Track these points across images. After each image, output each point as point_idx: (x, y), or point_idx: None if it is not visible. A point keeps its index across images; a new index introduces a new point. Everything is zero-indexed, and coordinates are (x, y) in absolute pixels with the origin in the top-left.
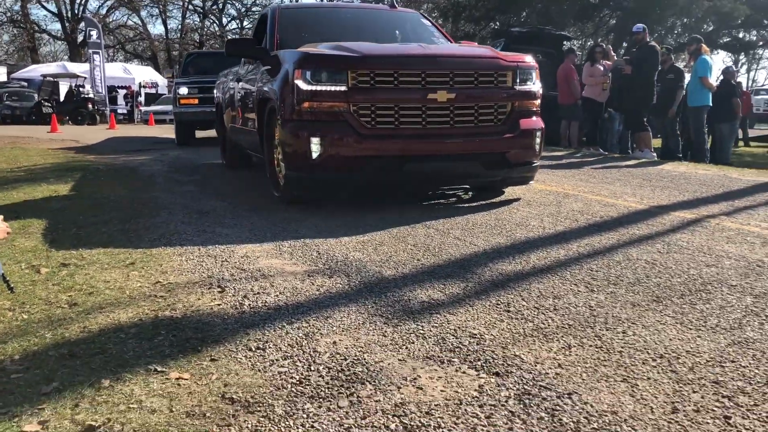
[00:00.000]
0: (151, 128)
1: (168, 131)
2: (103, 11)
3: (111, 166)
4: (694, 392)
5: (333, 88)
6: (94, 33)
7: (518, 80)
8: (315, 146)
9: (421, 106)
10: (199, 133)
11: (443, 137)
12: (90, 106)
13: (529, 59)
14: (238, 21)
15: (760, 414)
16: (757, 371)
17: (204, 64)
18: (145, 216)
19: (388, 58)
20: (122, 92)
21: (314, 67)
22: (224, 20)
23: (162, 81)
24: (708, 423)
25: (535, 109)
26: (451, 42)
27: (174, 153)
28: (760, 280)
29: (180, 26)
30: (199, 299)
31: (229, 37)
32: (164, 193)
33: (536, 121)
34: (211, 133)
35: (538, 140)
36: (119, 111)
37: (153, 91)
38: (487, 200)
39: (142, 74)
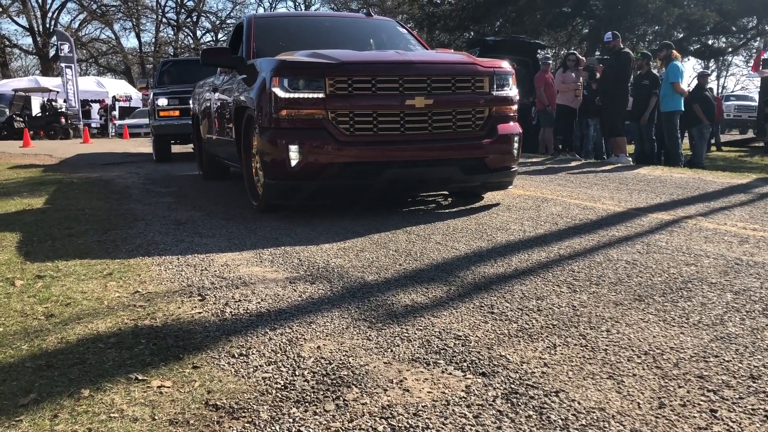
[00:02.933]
0: (126, 142)
1: (143, 145)
2: (75, 25)
3: (86, 179)
4: (680, 387)
5: (311, 95)
6: (66, 47)
7: (495, 86)
8: (293, 154)
9: (400, 113)
10: (175, 148)
11: (422, 143)
12: (63, 120)
13: (505, 65)
14: (212, 33)
15: (745, 407)
16: (740, 365)
17: (181, 72)
18: (121, 227)
19: (365, 65)
20: (96, 106)
21: (291, 75)
22: (198, 33)
23: (136, 94)
24: (695, 417)
25: (512, 114)
26: (427, 49)
27: (150, 166)
28: (739, 277)
29: (154, 39)
30: (179, 308)
31: (204, 47)
32: (140, 204)
33: (514, 126)
34: (189, 148)
35: (516, 145)
36: (93, 125)
37: (127, 104)
38: (467, 206)
39: (116, 88)
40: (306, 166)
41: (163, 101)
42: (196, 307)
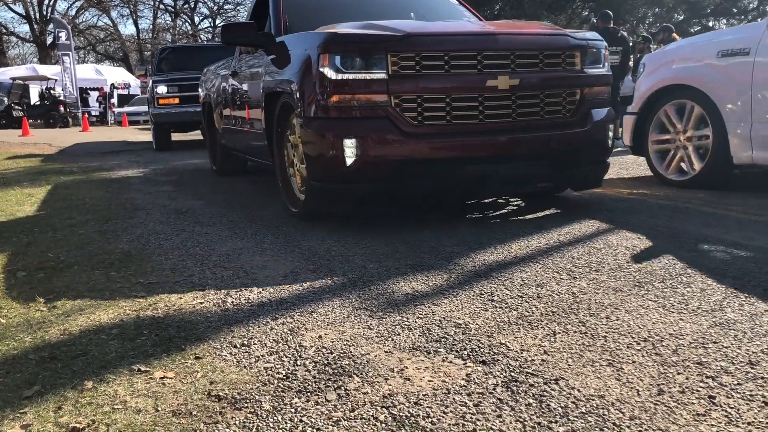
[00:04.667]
0: (125, 130)
1: (143, 133)
2: (72, 12)
3: (85, 168)
4: (679, 374)
5: (370, 77)
6: (63, 34)
7: (587, 62)
8: (349, 150)
9: (478, 96)
10: (176, 136)
11: (505, 133)
12: (62, 108)
13: (597, 36)
14: (210, 19)
15: (743, 393)
16: (739, 351)
17: (180, 59)
18: (122, 217)
19: (436, 37)
20: (94, 94)
21: (345, 51)
22: (196, 19)
23: (135, 82)
24: (694, 403)
25: (606, 96)
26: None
27: (150, 155)
28: (737, 261)
29: (152, 26)
30: (180, 298)
31: (224, 23)
32: (141, 194)
33: (609, 112)
34: (189, 136)
35: (610, 134)
36: (92, 113)
37: (126, 92)
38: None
39: (115, 75)
40: (364, 165)
41: (162, 89)
42: (197, 297)
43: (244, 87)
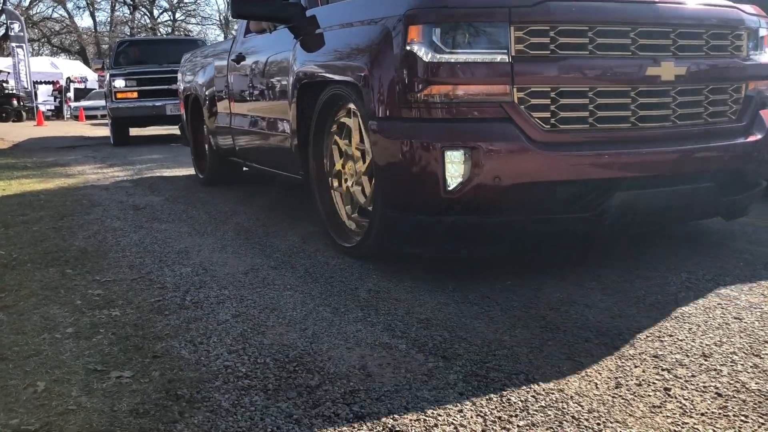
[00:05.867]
0: (81, 124)
1: (100, 128)
2: (26, 3)
3: (40, 163)
4: (636, 367)
5: (485, 58)
6: (16, 26)
7: (751, 46)
8: (454, 166)
9: (631, 90)
10: (134, 131)
11: (663, 143)
12: (15, 102)
13: (763, 13)
14: (170, 13)
15: (697, 384)
16: (693, 344)
17: (139, 52)
18: (78, 213)
19: (580, 3)
20: (46, 88)
21: (448, 19)
22: (155, 12)
23: (92, 75)
24: (650, 396)
25: None
26: None
27: (107, 150)
28: (695, 256)
29: (109, 19)
30: (138, 296)
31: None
32: (97, 189)
33: None
34: (148, 131)
35: None
36: (45, 107)
37: (82, 85)
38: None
39: (71, 69)
40: (475, 189)
41: (120, 82)
42: (155, 294)
43: (258, 75)
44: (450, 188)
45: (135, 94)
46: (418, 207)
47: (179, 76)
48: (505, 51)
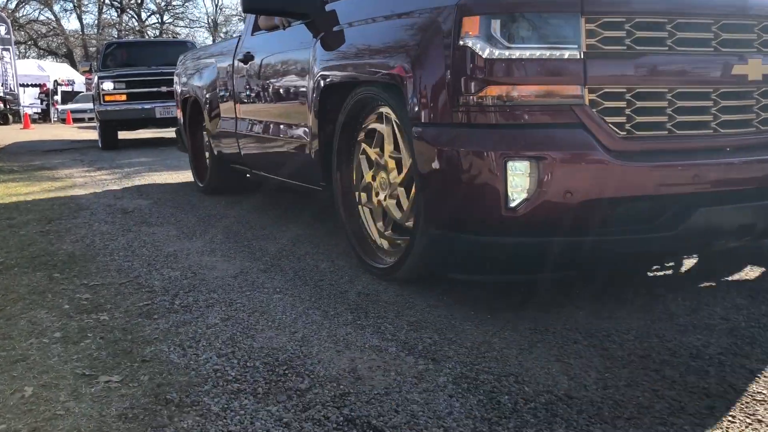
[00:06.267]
0: (69, 127)
1: (88, 131)
2: (12, 5)
3: (27, 167)
4: (624, 368)
5: (552, 54)
6: (2, 28)
7: None
8: (517, 179)
9: (712, 92)
10: (122, 134)
11: (747, 153)
12: (1, 105)
13: None
14: (157, 15)
15: (686, 385)
16: (680, 345)
17: (127, 55)
18: (65, 217)
19: None
20: (32, 91)
21: (509, 9)
22: (143, 15)
23: (79, 78)
24: (639, 396)
25: None
26: None
27: (95, 153)
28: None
29: (96, 21)
30: (126, 300)
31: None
32: (85, 193)
33: None
34: (137, 134)
35: None
36: (33, 110)
37: (69, 88)
38: None
39: (58, 71)
40: (542, 206)
41: (108, 85)
42: (144, 298)
43: (270, 77)
44: (512, 205)
45: (124, 97)
46: (472, 226)
47: (176, 78)
48: (576, 46)
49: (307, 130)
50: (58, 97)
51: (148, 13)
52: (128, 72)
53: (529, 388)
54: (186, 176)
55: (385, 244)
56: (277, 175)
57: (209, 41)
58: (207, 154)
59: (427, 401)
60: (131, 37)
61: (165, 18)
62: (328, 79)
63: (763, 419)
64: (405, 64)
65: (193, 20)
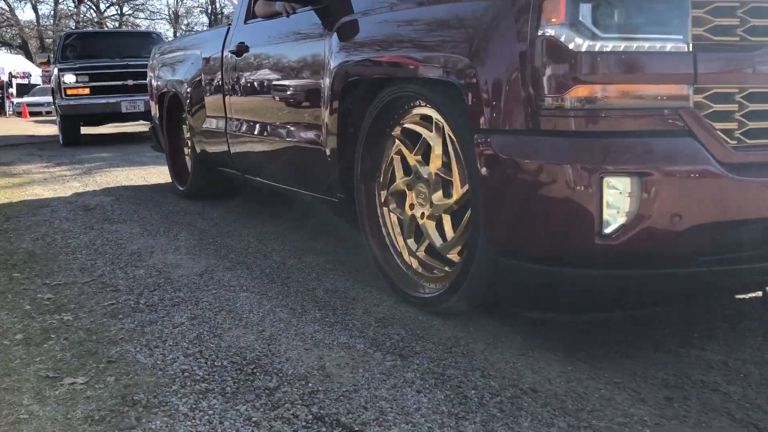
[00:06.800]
0: (25, 121)
1: (46, 125)
2: None
3: None
4: (586, 362)
5: (654, 46)
6: None
7: None
8: (618, 200)
9: None
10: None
11: None
12: None
13: None
14: (116, 7)
15: (645, 376)
16: (641, 337)
17: (88, 46)
18: (25, 214)
19: None
20: None
21: None
22: (102, 6)
23: (35, 70)
24: (601, 389)
25: None
26: None
27: (55, 148)
28: None
29: (53, 12)
30: (90, 299)
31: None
32: (45, 189)
33: None
34: (99, 129)
35: None
36: None
37: (26, 81)
38: None
39: (12, 63)
40: (645, 233)
41: (70, 78)
42: (108, 298)
43: (271, 71)
44: (607, 231)
45: (87, 91)
46: (554, 256)
47: (149, 71)
48: (682, 36)
49: (320, 133)
50: (13, 90)
51: (107, 4)
52: (92, 64)
53: (495, 382)
54: (148, 171)
55: (414, 263)
56: (279, 182)
57: (170, 34)
58: (188, 155)
59: (395, 397)
60: (89, 29)
61: (125, 9)
62: (350, 76)
63: (716, 407)
64: (463, 57)
65: (153, 12)
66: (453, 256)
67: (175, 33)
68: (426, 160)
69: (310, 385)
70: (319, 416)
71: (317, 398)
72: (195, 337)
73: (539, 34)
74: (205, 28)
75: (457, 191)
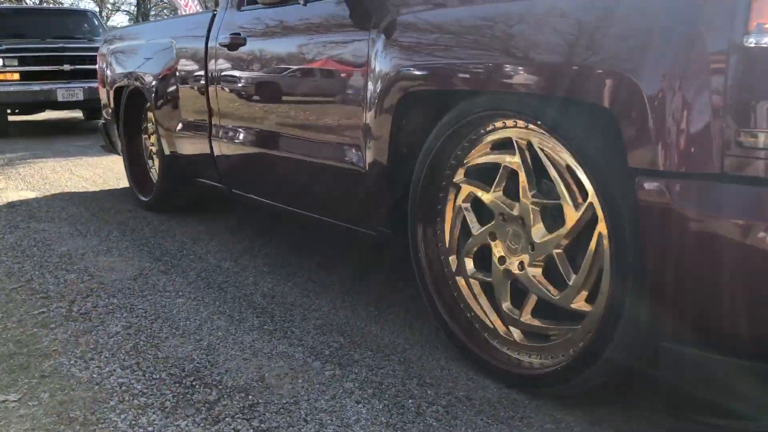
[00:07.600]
0: None
1: None
2: None
3: None
4: None
5: None
6: None
7: None
8: None
9: None
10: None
11: None
12: None
13: None
14: None
15: None
16: None
17: (17, 25)
18: None
19: None
20: None
21: None
22: None
23: None
24: (532, 396)
25: None
26: None
27: None
28: None
29: None
30: (20, 307)
31: None
32: None
33: None
34: (31, 117)
35: None
36: None
37: None
38: None
39: None
40: None
41: None
42: (38, 305)
43: (282, 73)
44: None
45: (16, 76)
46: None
47: (101, 59)
48: None
49: (357, 151)
50: None
51: None
52: (21, 46)
53: (432, 390)
54: (75, 163)
55: (516, 335)
56: (286, 204)
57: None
58: (154, 159)
59: (334, 409)
60: (8, 5)
61: None
62: (410, 86)
63: (638, 405)
64: (624, 74)
65: None
66: (579, 304)
67: (100, 12)
68: (509, 193)
69: (250, 397)
70: (260, 430)
71: (258, 411)
72: (131, 348)
73: (745, 44)
74: (167, 13)
75: (571, 216)
